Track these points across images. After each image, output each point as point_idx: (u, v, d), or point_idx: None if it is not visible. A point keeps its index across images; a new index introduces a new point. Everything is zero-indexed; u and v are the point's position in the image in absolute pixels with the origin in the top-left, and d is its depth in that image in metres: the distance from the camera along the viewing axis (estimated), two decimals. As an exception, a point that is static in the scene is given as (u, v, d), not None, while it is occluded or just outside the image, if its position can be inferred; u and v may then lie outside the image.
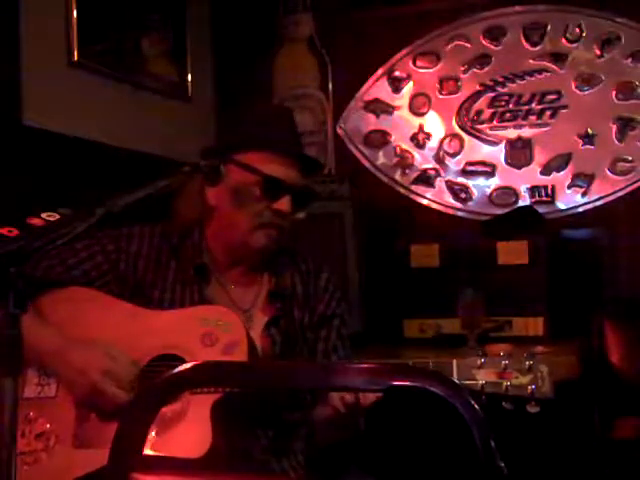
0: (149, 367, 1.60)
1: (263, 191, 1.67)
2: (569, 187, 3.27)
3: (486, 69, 3.38)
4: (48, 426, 1.59)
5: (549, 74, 3.30)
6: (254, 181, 1.67)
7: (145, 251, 1.74)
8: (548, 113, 3.30)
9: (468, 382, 1.41)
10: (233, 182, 1.67)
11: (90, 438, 1.57)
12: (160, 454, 1.43)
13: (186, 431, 1.52)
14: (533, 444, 2.56)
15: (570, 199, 3.27)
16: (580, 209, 3.27)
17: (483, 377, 1.41)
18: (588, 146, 3.25)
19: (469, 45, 3.41)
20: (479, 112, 3.39)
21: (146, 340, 1.62)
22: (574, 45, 3.27)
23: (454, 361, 1.44)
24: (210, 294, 1.73)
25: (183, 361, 1.57)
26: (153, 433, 1.49)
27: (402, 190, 3.48)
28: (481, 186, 3.40)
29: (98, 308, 1.69)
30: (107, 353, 1.59)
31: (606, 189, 3.22)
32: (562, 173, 3.28)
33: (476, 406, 0.96)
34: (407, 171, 3.48)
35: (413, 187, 3.47)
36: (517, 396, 1.38)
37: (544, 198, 3.29)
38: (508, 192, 3.36)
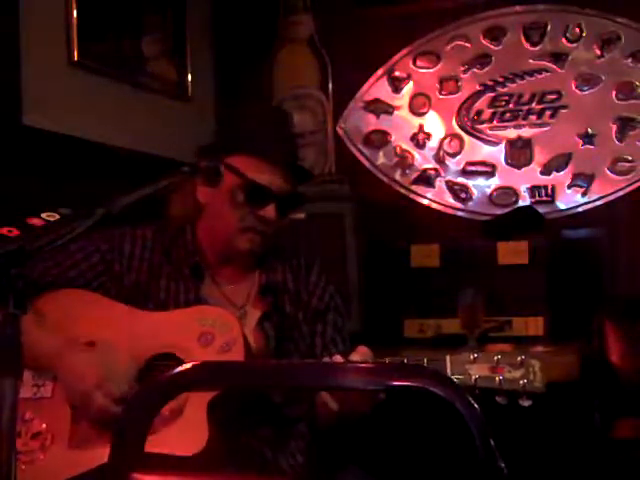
0: (146, 366, 1.60)
1: (247, 197, 1.68)
2: (569, 187, 3.27)
3: (486, 69, 3.38)
4: (44, 426, 1.60)
5: (549, 74, 3.30)
6: (240, 185, 1.68)
7: (138, 251, 1.75)
8: (548, 113, 3.30)
9: (462, 377, 1.43)
10: (223, 183, 1.68)
11: (86, 438, 1.58)
12: (156, 452, 1.43)
13: (183, 428, 1.52)
14: (528, 438, 2.56)
15: (570, 199, 3.28)
16: (580, 209, 3.27)
17: (476, 372, 1.43)
18: (588, 146, 3.25)
19: (469, 45, 3.41)
20: (479, 112, 3.39)
21: (143, 340, 1.62)
22: (574, 45, 3.27)
23: (447, 356, 1.46)
24: (204, 292, 1.74)
25: (180, 360, 1.57)
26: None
27: (402, 190, 3.48)
28: (481, 186, 3.40)
29: (95, 310, 1.69)
30: (104, 363, 1.58)
31: (606, 189, 3.22)
32: (562, 173, 3.28)
33: (476, 406, 0.96)
34: (407, 171, 3.48)
35: (413, 187, 3.47)
36: (510, 390, 1.40)
37: (544, 198, 3.30)
38: (508, 192, 3.36)
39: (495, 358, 1.42)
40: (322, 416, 1.64)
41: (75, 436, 1.59)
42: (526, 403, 1.39)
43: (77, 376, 1.57)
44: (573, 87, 3.27)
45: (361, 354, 1.56)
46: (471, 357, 1.44)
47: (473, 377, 1.42)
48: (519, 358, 1.41)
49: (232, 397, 1.56)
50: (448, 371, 1.45)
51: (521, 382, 1.40)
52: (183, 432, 1.51)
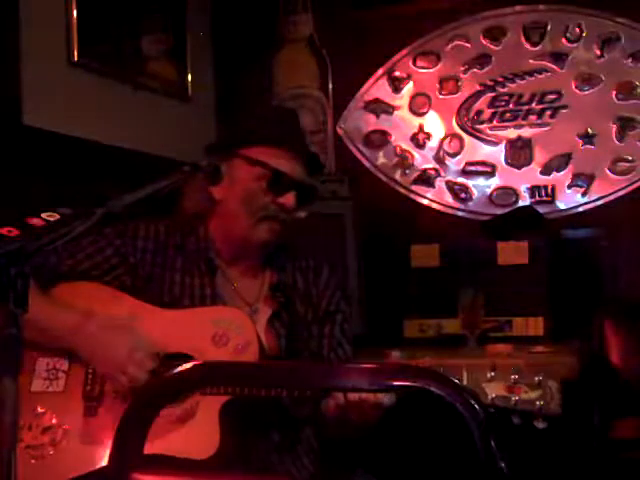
0: (159, 365, 1.60)
1: (269, 185, 1.69)
2: (569, 187, 3.27)
3: (486, 69, 3.38)
4: (55, 421, 1.60)
5: (549, 74, 3.30)
6: (260, 175, 1.69)
7: (151, 246, 1.75)
8: (548, 113, 3.30)
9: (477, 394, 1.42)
10: (239, 176, 1.69)
11: (97, 434, 1.58)
12: (167, 454, 1.43)
13: (194, 432, 1.52)
14: (540, 457, 2.56)
15: (570, 199, 3.27)
16: (580, 209, 3.26)
17: (492, 391, 1.42)
18: (588, 146, 3.24)
19: (469, 45, 3.40)
20: (479, 112, 3.39)
21: (157, 338, 1.62)
22: (574, 45, 3.27)
23: (464, 373, 1.45)
24: (218, 288, 1.74)
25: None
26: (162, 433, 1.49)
27: (402, 190, 3.48)
28: (481, 186, 3.39)
29: (110, 305, 1.69)
30: (134, 336, 1.59)
31: (606, 189, 3.22)
32: (562, 173, 3.28)
33: (476, 406, 0.96)
34: (407, 171, 3.48)
35: (413, 187, 3.47)
36: (525, 411, 1.39)
37: (544, 198, 3.29)
38: (508, 192, 3.36)
39: (512, 377, 1.42)
40: (332, 422, 1.64)
41: (86, 432, 1.59)
42: (541, 425, 1.38)
43: (110, 344, 1.57)
44: (573, 87, 3.27)
45: None
46: (488, 375, 1.43)
47: (489, 396, 1.42)
48: (537, 379, 1.40)
49: (245, 400, 1.55)
50: None
51: (537, 403, 1.39)
52: (195, 435, 1.51)
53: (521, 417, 1.39)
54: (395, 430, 2.59)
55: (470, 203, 3.40)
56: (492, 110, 3.38)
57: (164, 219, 1.80)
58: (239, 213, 1.72)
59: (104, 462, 1.48)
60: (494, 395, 1.41)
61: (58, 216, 1.58)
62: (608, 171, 3.22)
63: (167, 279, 1.73)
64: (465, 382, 1.45)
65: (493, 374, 1.43)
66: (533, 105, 3.32)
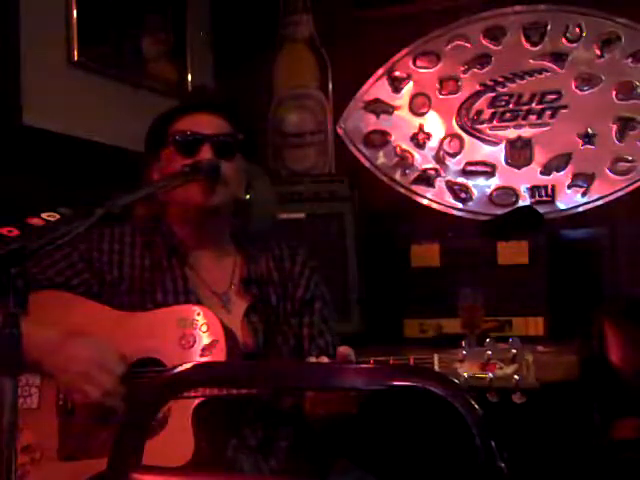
0: (131, 372, 1.57)
1: (179, 149, 1.70)
2: (569, 187, 3.27)
3: (486, 69, 3.38)
4: (32, 439, 1.56)
5: (549, 74, 3.30)
6: (173, 149, 1.71)
7: (118, 247, 1.74)
8: (548, 113, 3.30)
9: (450, 377, 1.35)
10: (165, 163, 1.73)
11: (75, 449, 1.55)
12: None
13: (168, 439, 1.48)
14: (526, 437, 2.55)
15: (570, 199, 3.27)
16: (580, 209, 3.26)
17: (466, 370, 1.36)
18: (588, 146, 3.24)
19: (469, 45, 3.40)
20: (479, 112, 3.39)
21: (125, 345, 1.58)
22: (574, 45, 3.27)
23: (435, 355, 1.41)
24: (188, 281, 1.73)
25: (163, 365, 1.55)
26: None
27: (402, 190, 3.48)
28: (481, 186, 3.39)
29: (76, 313, 1.65)
30: (97, 343, 1.56)
31: (606, 189, 3.22)
32: (562, 173, 3.28)
33: (476, 406, 0.96)
34: (407, 171, 3.48)
35: (413, 187, 3.47)
36: (502, 388, 1.33)
37: (544, 198, 3.29)
38: (508, 192, 3.36)
39: (486, 354, 1.36)
40: (310, 417, 1.63)
41: (64, 448, 1.56)
42: (520, 400, 1.33)
43: (75, 355, 1.53)
44: (573, 87, 3.27)
45: (342, 355, 1.54)
46: (460, 355, 1.38)
47: (462, 377, 1.37)
48: (512, 351, 1.35)
49: (217, 401, 1.53)
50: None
51: (514, 378, 1.33)
52: (168, 443, 1.47)
53: (498, 394, 1.34)
54: (388, 424, 2.59)
55: (470, 203, 3.40)
56: (492, 110, 3.38)
57: (127, 223, 1.79)
58: (176, 192, 1.70)
59: (84, 476, 1.47)
60: (467, 375, 1.36)
61: (58, 216, 1.58)
62: (608, 171, 3.22)
63: (137, 277, 1.71)
64: (436, 364, 1.39)
65: (465, 353, 1.37)
66: (533, 105, 3.32)
